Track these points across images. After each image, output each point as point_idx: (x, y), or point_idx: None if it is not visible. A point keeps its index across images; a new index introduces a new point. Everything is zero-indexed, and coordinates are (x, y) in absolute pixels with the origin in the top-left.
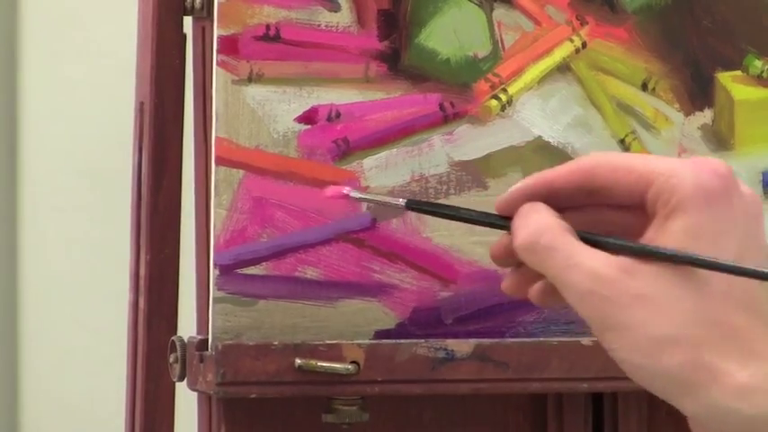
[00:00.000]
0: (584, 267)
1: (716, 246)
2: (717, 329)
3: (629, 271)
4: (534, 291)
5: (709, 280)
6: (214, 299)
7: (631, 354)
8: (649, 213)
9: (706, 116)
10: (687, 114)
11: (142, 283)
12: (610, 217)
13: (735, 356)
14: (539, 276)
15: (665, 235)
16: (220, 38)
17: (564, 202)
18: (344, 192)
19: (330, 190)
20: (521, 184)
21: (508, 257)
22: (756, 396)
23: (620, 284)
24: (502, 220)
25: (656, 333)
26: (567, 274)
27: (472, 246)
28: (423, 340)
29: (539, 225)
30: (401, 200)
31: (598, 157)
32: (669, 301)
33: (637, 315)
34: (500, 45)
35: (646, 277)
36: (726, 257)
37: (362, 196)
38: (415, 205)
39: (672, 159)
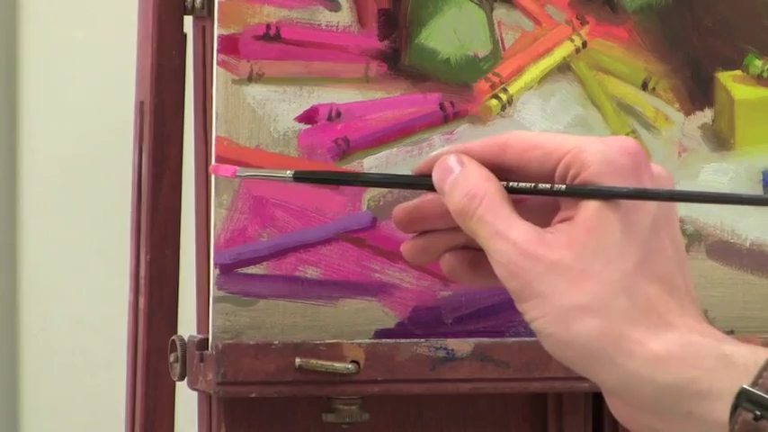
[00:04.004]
0: (508, 237)
1: (627, 219)
2: (629, 300)
3: (547, 241)
4: (444, 261)
5: (622, 251)
6: (214, 298)
7: (546, 323)
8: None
9: (706, 116)
10: (687, 114)
11: (142, 282)
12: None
13: (648, 326)
14: (444, 246)
15: (577, 209)
16: (221, 37)
17: None
18: (232, 171)
19: (218, 168)
20: (439, 151)
21: (411, 223)
22: (670, 364)
23: (537, 254)
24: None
25: (568, 302)
26: (493, 243)
27: None
28: (423, 340)
29: (473, 189)
30: (288, 171)
31: (511, 134)
32: (583, 272)
33: (551, 284)
34: (500, 45)
35: (561, 247)
36: (636, 231)
37: (249, 173)
38: (303, 176)
39: (582, 137)
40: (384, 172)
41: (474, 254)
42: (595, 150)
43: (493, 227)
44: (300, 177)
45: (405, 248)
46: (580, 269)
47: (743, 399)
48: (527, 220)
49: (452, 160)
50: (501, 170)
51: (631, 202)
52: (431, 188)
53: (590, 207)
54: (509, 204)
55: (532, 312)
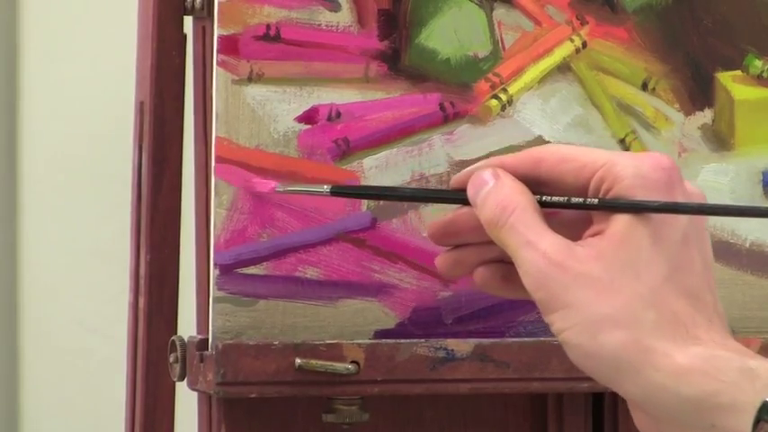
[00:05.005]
0: (537, 247)
1: (657, 233)
2: (656, 312)
3: (577, 253)
4: (478, 274)
5: (651, 264)
6: (214, 298)
7: (573, 335)
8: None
9: (706, 116)
10: (687, 114)
11: (142, 282)
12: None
13: (673, 339)
14: (477, 260)
15: (607, 223)
16: (220, 37)
17: None
18: (271, 186)
19: (256, 183)
20: (475, 165)
21: (445, 237)
22: (694, 377)
23: (566, 265)
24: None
25: (596, 313)
26: (523, 253)
27: None
28: (423, 340)
29: (505, 200)
30: (326, 186)
31: (546, 147)
32: (611, 283)
33: (579, 295)
34: (500, 45)
35: (591, 259)
36: (666, 245)
37: (288, 189)
38: (340, 190)
39: (617, 152)
40: (384, 172)
41: (506, 268)
42: (628, 165)
43: (523, 237)
44: (337, 192)
45: (439, 261)
46: (608, 281)
47: (765, 412)
48: (559, 234)
49: (487, 174)
50: (536, 183)
51: (662, 216)
52: (465, 202)
53: (621, 220)
54: (541, 217)
55: (559, 323)
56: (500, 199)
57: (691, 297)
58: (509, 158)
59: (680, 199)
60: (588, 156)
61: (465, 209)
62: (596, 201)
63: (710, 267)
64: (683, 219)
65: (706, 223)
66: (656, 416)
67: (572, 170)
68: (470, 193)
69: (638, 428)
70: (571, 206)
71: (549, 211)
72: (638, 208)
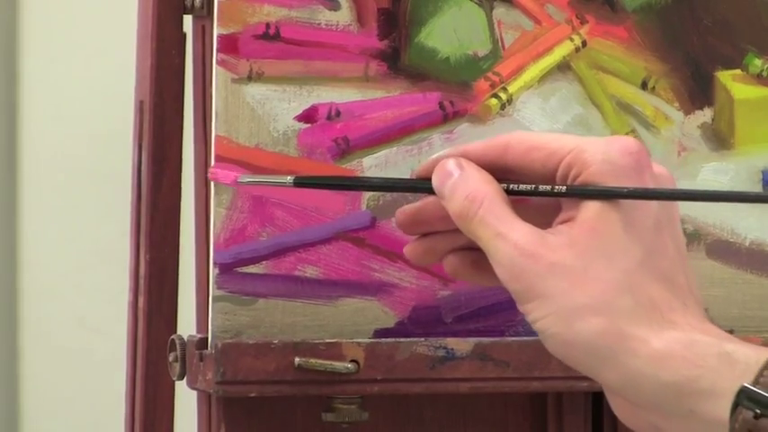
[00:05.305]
0: (509, 239)
1: (628, 218)
2: (632, 298)
3: (549, 242)
4: (448, 262)
5: (624, 250)
6: (214, 297)
7: (549, 324)
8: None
9: (706, 115)
10: (687, 113)
11: (142, 282)
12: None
13: (650, 325)
14: (447, 248)
15: (578, 210)
16: (220, 36)
17: None
18: (232, 178)
19: (217, 174)
20: (439, 154)
21: (414, 226)
22: (672, 362)
23: (538, 255)
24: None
25: (571, 302)
26: (494, 245)
27: None
28: (422, 339)
29: (473, 192)
30: (289, 177)
31: (513, 135)
32: (585, 271)
33: (554, 284)
34: (500, 44)
35: (563, 248)
36: (638, 230)
37: (250, 180)
38: (303, 181)
39: (584, 138)
40: (384, 171)
41: (477, 254)
42: (596, 150)
43: (494, 229)
44: (300, 183)
45: (408, 250)
46: (582, 269)
47: (743, 397)
48: (528, 221)
49: (451, 164)
50: (503, 171)
51: (633, 201)
52: (431, 191)
53: (591, 207)
54: (509, 206)
55: (535, 313)
56: (467, 191)
57: (665, 281)
58: (474, 146)
59: (649, 183)
60: (556, 142)
61: (432, 197)
62: (564, 188)
63: (683, 251)
64: (653, 204)
65: (679, 209)
66: (634, 402)
67: (540, 158)
68: (435, 184)
69: (618, 416)
70: (539, 194)
71: (517, 198)
72: (607, 195)
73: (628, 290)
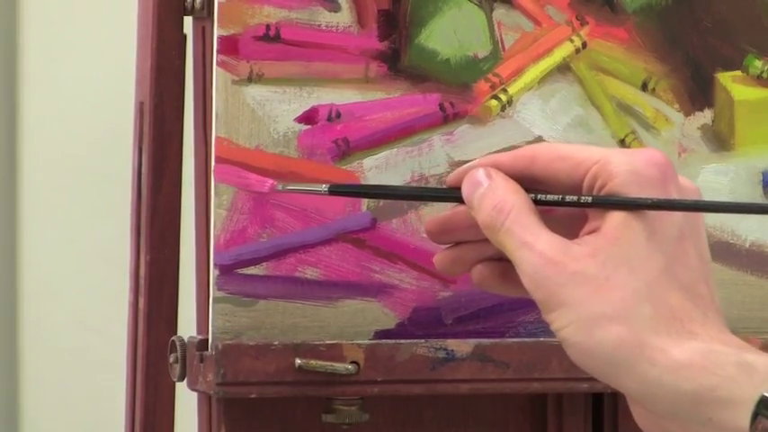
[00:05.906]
0: (534, 247)
1: (652, 228)
2: (652, 307)
3: (572, 251)
4: (476, 272)
5: (646, 259)
6: (214, 299)
7: (571, 332)
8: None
9: (706, 116)
10: (687, 114)
11: (142, 283)
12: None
13: (670, 335)
14: (475, 258)
15: (603, 220)
16: (220, 38)
17: None
18: (270, 185)
19: (254, 182)
20: (469, 164)
21: (443, 235)
22: (691, 371)
23: (562, 264)
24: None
25: (592, 310)
26: (520, 254)
27: None
28: (423, 340)
29: (501, 202)
30: (324, 186)
31: (540, 145)
32: (607, 280)
33: (575, 293)
34: (500, 45)
35: (586, 257)
36: (661, 240)
37: (288, 188)
38: (337, 189)
39: (611, 149)
40: (384, 172)
41: (504, 265)
42: (622, 161)
43: (520, 238)
44: (335, 191)
45: (437, 260)
46: (604, 278)
47: (762, 406)
48: (555, 231)
49: (481, 174)
50: (530, 181)
51: (657, 212)
52: (460, 201)
53: (615, 217)
54: (536, 216)
55: (557, 322)
56: (495, 201)
57: (686, 291)
58: (503, 157)
59: (674, 194)
60: (582, 153)
61: (462, 207)
62: (590, 199)
63: (707, 262)
64: (678, 214)
65: (704, 220)
66: (653, 411)
67: (566, 168)
68: (465, 193)
69: (638, 424)
70: (565, 204)
71: (544, 208)
72: (632, 205)
73: (648, 299)
